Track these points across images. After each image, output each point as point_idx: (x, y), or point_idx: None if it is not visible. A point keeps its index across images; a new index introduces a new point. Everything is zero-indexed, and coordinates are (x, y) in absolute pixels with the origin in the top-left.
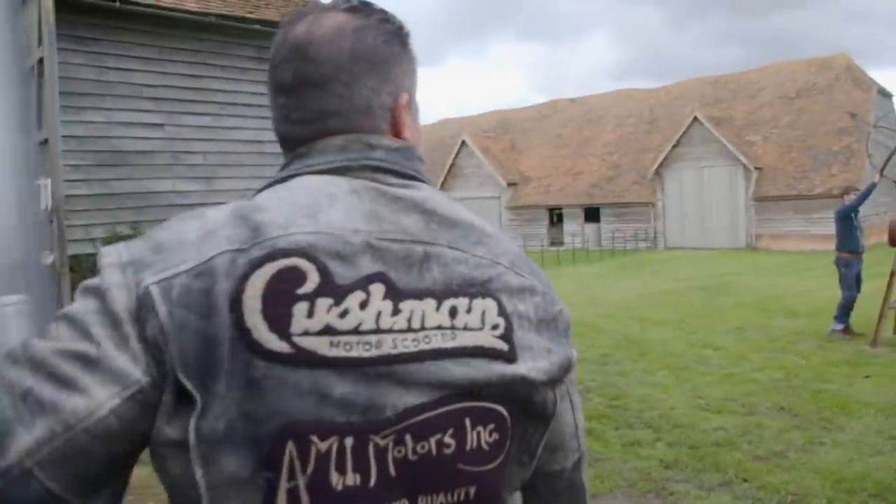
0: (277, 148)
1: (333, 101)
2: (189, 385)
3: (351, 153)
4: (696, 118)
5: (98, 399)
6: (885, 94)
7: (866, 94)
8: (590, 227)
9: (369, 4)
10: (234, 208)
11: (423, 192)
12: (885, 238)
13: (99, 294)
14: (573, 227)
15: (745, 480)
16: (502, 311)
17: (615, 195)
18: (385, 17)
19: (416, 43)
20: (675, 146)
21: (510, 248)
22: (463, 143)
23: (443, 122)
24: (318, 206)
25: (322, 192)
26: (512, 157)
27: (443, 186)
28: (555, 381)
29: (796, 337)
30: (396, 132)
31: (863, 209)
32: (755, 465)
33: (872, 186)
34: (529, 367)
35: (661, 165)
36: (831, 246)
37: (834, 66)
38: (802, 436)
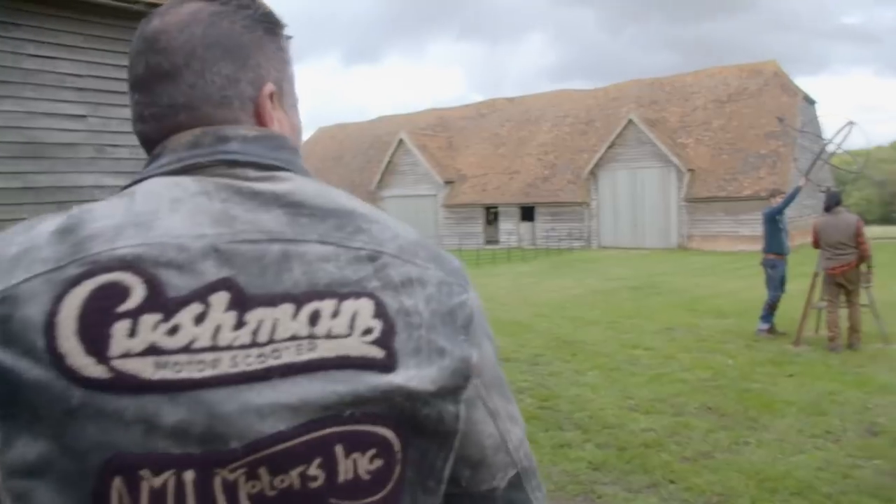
0: None
1: (185, 92)
2: None
3: (201, 148)
4: (630, 120)
5: None
6: (809, 101)
7: (792, 100)
8: (525, 226)
9: None
10: (65, 220)
11: (287, 184)
12: (810, 239)
13: None
14: (509, 225)
15: (672, 482)
16: (380, 312)
17: (550, 194)
18: (246, 4)
19: (354, 39)
20: (610, 147)
21: (401, 233)
22: (400, 140)
23: (380, 120)
24: (155, 213)
25: (164, 196)
26: (449, 155)
27: (380, 184)
28: (451, 390)
29: (724, 336)
30: (261, 125)
31: (789, 211)
32: (682, 466)
33: (798, 190)
34: (412, 375)
35: (595, 166)
36: (759, 247)
37: (763, 73)
38: (728, 436)
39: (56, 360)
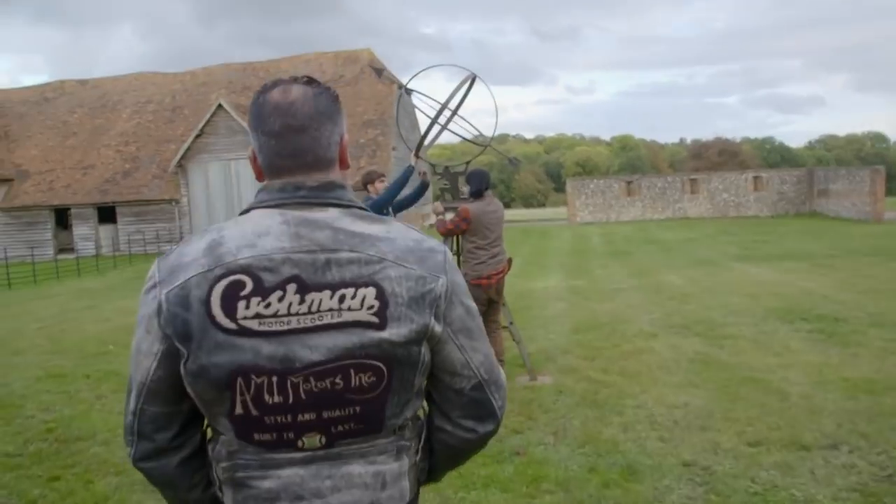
0: None
1: (308, 142)
2: (179, 346)
3: (285, 193)
4: (220, 106)
5: (144, 363)
6: (407, 91)
7: (389, 89)
8: (105, 230)
9: (315, 80)
10: (208, 242)
11: (332, 214)
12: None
13: (144, 304)
14: (85, 230)
15: None
16: (379, 295)
17: (133, 192)
18: (327, 87)
19: None
20: (198, 136)
21: (401, 245)
22: None
23: None
24: (258, 236)
25: (262, 224)
26: (5, 147)
27: None
28: (415, 340)
29: None
30: (342, 158)
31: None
32: None
33: (410, 171)
34: (393, 332)
35: (183, 157)
36: None
37: (359, 60)
38: None
39: (211, 318)
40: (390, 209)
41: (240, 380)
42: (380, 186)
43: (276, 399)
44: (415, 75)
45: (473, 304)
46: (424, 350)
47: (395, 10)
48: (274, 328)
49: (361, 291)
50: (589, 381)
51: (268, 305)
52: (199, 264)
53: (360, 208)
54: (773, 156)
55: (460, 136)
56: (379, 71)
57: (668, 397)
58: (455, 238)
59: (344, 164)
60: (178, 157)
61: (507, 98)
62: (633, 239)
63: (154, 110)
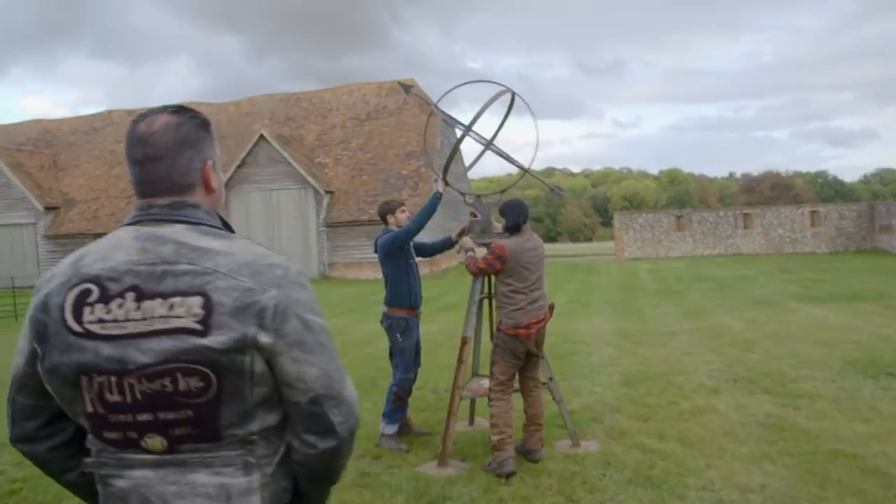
0: None
1: (164, 170)
2: (36, 346)
3: (141, 212)
4: (262, 136)
5: (17, 359)
6: (450, 123)
7: (433, 120)
8: None
9: (185, 108)
10: (75, 257)
11: (176, 229)
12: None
13: (29, 309)
14: None
15: None
16: (205, 304)
17: None
18: (194, 115)
19: None
20: (240, 166)
21: (238, 259)
22: None
23: None
24: (112, 249)
25: (116, 239)
26: (53, 175)
27: None
28: (236, 349)
29: None
30: (206, 183)
31: (423, 237)
32: None
33: (436, 199)
34: (213, 339)
35: (225, 187)
36: None
37: (403, 92)
38: None
39: (63, 322)
40: (411, 248)
41: (84, 378)
42: (402, 217)
43: (116, 398)
44: (445, 93)
45: (318, 320)
46: (253, 360)
47: (442, 45)
48: (113, 332)
49: (189, 300)
50: (642, 449)
51: (109, 311)
52: (62, 275)
53: (211, 226)
54: (826, 190)
55: (500, 154)
56: (407, 87)
57: (738, 475)
58: (486, 279)
59: (209, 188)
60: None
61: (553, 132)
62: (685, 276)
63: None
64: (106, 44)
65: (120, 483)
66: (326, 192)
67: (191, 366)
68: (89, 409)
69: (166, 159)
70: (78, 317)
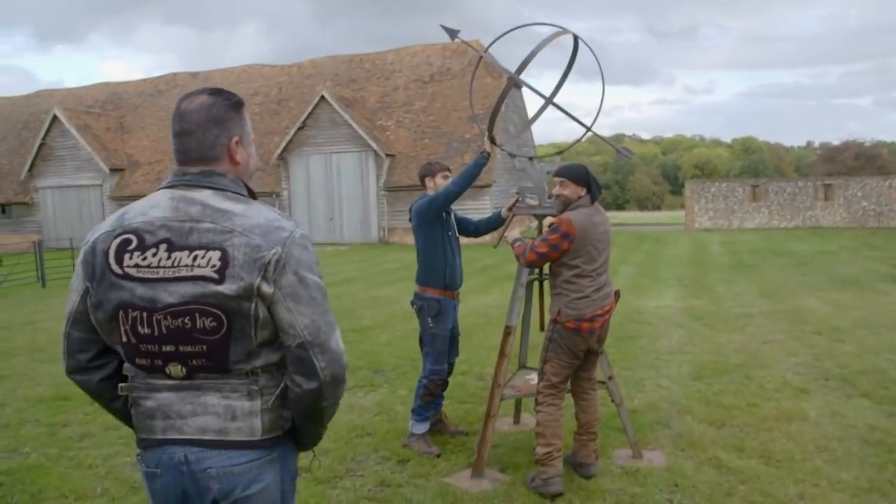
0: None
1: (194, 143)
2: (88, 284)
3: (176, 177)
4: (323, 97)
5: (72, 297)
6: (517, 85)
7: (497, 82)
8: None
9: (222, 90)
10: (119, 213)
11: (204, 194)
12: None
13: (79, 254)
14: None
15: None
16: (222, 257)
17: None
18: (229, 96)
19: (51, 19)
20: (301, 128)
21: (253, 221)
22: (55, 118)
23: (38, 95)
24: (150, 207)
25: (156, 199)
26: (119, 137)
27: (31, 172)
28: (244, 297)
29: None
30: (231, 157)
31: (467, 201)
32: None
33: (483, 160)
34: (226, 287)
35: (285, 150)
36: (466, 240)
37: (468, 53)
38: None
39: (107, 264)
40: (451, 215)
41: (121, 312)
42: (441, 183)
43: (146, 330)
44: (498, 37)
45: (314, 278)
46: (257, 306)
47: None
48: (147, 276)
49: (210, 254)
50: (718, 466)
51: (144, 258)
52: (108, 226)
53: (234, 192)
54: None
55: (561, 109)
56: (453, 32)
57: None
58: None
59: (233, 161)
60: (280, 149)
61: (623, 98)
62: (759, 249)
63: (261, 102)
64: (179, 9)
65: (148, 403)
66: (387, 155)
67: (207, 308)
68: (124, 339)
69: (196, 134)
70: (119, 261)
